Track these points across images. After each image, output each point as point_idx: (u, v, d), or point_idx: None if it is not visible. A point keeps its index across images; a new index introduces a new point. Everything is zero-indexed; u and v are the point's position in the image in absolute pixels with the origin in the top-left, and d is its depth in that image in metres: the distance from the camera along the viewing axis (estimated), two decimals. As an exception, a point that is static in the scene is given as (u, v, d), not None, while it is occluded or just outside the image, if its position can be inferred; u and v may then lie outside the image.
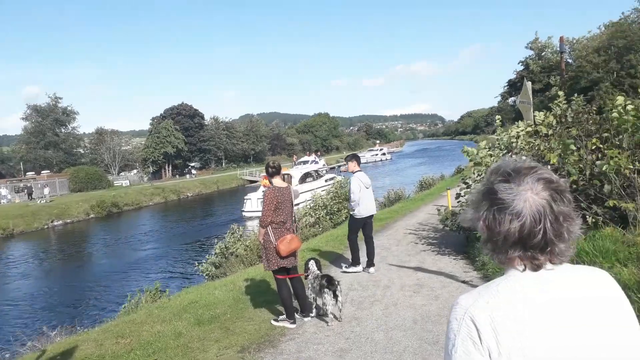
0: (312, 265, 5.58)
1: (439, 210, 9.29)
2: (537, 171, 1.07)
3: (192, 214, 35.36)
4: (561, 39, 9.71)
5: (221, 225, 23.97)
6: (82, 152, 64.03)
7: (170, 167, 68.06)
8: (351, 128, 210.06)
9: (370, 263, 7.25)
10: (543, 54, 44.65)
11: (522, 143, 6.60)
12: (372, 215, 7.40)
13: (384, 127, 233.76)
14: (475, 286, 1.98)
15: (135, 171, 65.32)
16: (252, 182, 55.19)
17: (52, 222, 33.76)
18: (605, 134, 5.66)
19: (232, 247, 11.18)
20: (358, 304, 5.77)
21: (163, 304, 6.79)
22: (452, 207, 10.60)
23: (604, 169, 5.12)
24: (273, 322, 5.33)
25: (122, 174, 62.33)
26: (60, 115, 58.57)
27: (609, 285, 1.09)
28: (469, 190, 7.55)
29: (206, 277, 10.69)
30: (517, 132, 6.82)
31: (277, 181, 5.30)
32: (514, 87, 45.64)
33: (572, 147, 5.47)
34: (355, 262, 7.33)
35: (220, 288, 7.13)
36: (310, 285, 5.42)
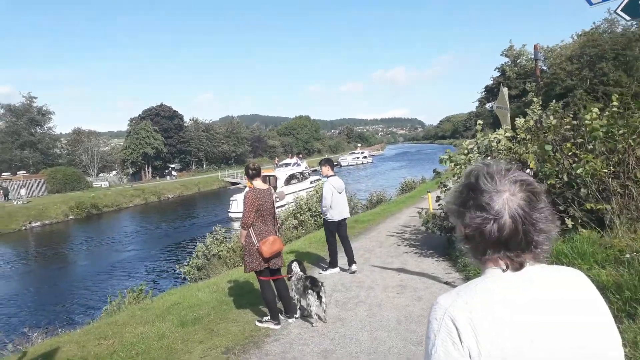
0: (295, 266, 5.61)
1: (419, 213, 9.40)
2: (514, 173, 1.09)
3: (174, 216, 34.91)
4: (535, 46, 9.93)
5: (203, 227, 23.76)
6: (59, 152, 62.70)
7: (150, 169, 67.12)
8: (332, 131, 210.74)
9: (350, 261, 7.37)
10: (518, 61, 45.63)
11: (502, 147, 6.76)
12: (346, 218, 7.52)
13: (364, 130, 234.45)
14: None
15: (114, 172, 64.26)
16: (233, 184, 54.83)
17: (29, 223, 33.01)
18: (580, 140, 5.86)
19: (214, 249, 11.13)
20: (342, 305, 5.82)
21: (146, 306, 6.74)
22: (433, 209, 10.75)
23: (579, 171, 5.30)
24: (257, 323, 5.35)
25: (101, 175, 61.28)
26: (35, 115, 57.22)
27: (586, 286, 1.11)
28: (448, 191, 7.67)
29: (188, 279, 10.62)
30: (498, 137, 6.98)
31: (258, 183, 5.33)
32: (490, 92, 46.49)
33: (550, 152, 5.64)
34: (333, 264, 7.47)
35: (204, 290, 7.11)
36: (294, 287, 5.45)
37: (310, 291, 5.12)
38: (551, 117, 6.44)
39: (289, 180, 28.78)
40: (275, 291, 5.40)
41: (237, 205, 26.39)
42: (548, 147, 5.67)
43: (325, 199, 7.20)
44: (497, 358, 0.98)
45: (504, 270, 1.07)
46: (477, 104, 53.50)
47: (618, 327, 1.10)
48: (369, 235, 10.74)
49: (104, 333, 5.46)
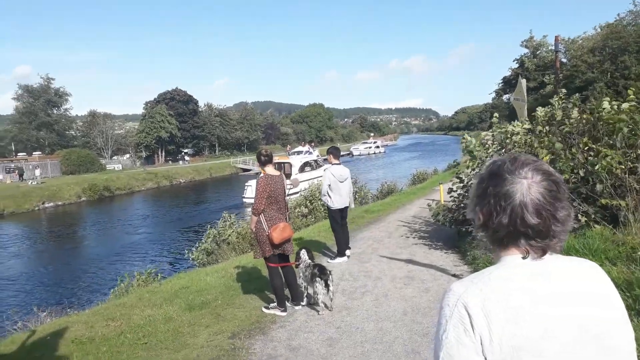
0: (304, 254, 5.60)
1: (429, 205, 9.32)
2: (536, 163, 1.10)
3: (185, 201, 35.20)
4: (556, 38, 9.71)
5: (214, 212, 23.91)
6: (75, 134, 63.46)
7: (163, 153, 67.64)
8: (345, 120, 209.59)
9: (345, 248, 7.53)
10: (538, 52, 44.65)
11: (519, 139, 6.62)
12: (347, 207, 7.57)
13: (378, 120, 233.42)
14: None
15: (127, 155, 64.91)
16: (245, 170, 55.00)
17: (43, 203, 33.48)
18: (597, 134, 5.71)
19: (224, 234, 11.17)
20: (349, 294, 5.81)
21: (154, 289, 6.80)
22: (444, 201, 10.65)
23: (596, 167, 5.17)
24: (264, 310, 5.36)
25: (115, 157, 61.95)
26: (52, 97, 57.97)
27: (602, 279, 1.10)
28: (461, 185, 7.59)
29: (197, 264, 10.69)
30: (513, 130, 6.84)
31: (270, 169, 5.32)
32: (508, 84, 45.68)
33: (560, 150, 5.54)
34: (340, 253, 7.51)
35: (212, 274, 7.15)
36: (301, 274, 5.45)
37: (317, 279, 5.10)
38: (574, 111, 6.26)
39: (303, 167, 28.78)
40: (283, 278, 5.40)
41: (251, 190, 26.48)
42: (558, 146, 5.55)
43: (323, 187, 7.39)
44: (508, 346, 0.97)
45: (524, 258, 1.06)
46: (493, 95, 52.64)
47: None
48: (378, 225, 10.69)
49: (112, 314, 5.52)
